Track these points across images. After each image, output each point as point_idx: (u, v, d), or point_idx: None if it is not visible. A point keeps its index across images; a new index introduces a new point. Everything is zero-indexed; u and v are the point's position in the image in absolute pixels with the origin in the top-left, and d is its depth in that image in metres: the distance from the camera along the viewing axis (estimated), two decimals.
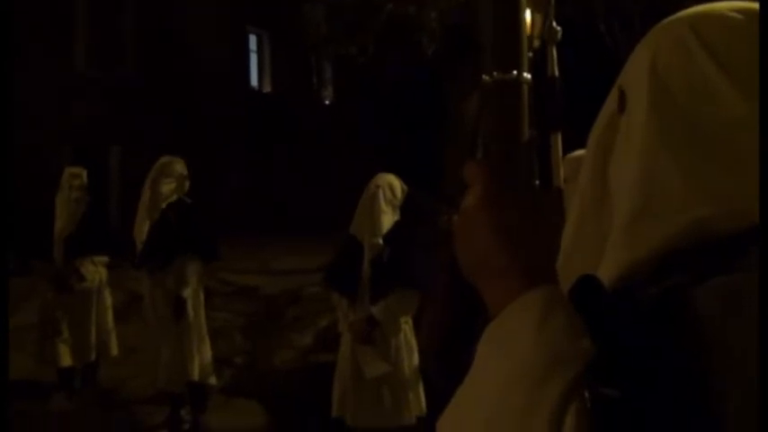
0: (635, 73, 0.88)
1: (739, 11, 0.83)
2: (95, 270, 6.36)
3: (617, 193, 0.86)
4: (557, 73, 4.35)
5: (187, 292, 5.44)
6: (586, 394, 0.63)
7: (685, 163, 0.79)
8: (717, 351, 0.63)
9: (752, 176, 0.76)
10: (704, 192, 0.77)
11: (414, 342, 4.44)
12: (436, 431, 0.76)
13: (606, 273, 0.82)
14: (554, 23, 4.50)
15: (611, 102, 0.92)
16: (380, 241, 4.36)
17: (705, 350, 0.63)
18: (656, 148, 0.81)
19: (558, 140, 4.44)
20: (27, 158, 11.76)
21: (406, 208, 4.52)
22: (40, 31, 14.29)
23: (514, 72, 1.15)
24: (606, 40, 11.31)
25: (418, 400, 4.37)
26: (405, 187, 4.55)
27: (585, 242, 0.90)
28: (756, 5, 0.84)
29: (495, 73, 1.13)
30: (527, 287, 0.71)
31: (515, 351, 0.68)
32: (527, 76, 1.16)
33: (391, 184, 4.49)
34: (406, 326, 4.43)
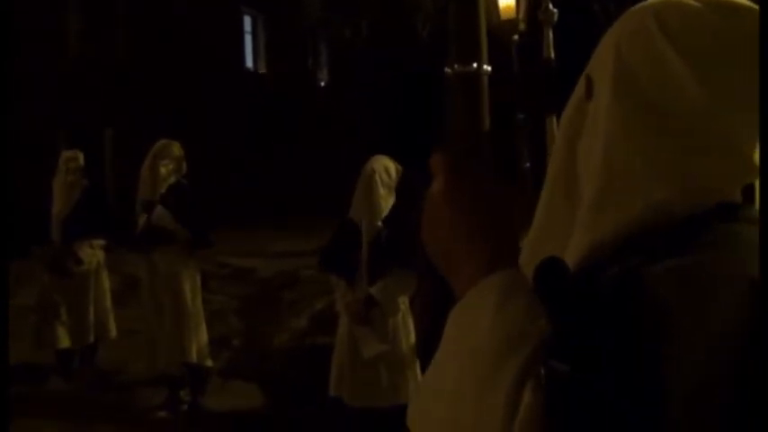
0: (601, 60, 0.91)
1: (700, 0, 0.85)
2: (93, 253, 6.38)
3: (584, 177, 0.89)
4: (552, 55, 4.35)
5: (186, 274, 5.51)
6: (543, 372, 0.66)
7: (646, 147, 0.82)
8: (666, 333, 0.65)
9: (710, 160, 0.80)
10: (663, 175, 0.80)
11: (411, 322, 4.48)
12: (408, 408, 0.79)
13: (573, 254, 0.85)
14: (550, 5, 4.49)
15: (579, 88, 0.94)
16: (379, 224, 4.39)
17: (655, 331, 0.65)
18: (619, 133, 0.84)
19: (554, 123, 4.44)
20: (23, 142, 11.73)
21: (402, 189, 4.53)
22: (34, 14, 14.20)
23: (474, 64, 1.17)
24: (601, 20, 11.27)
25: (415, 378, 4.40)
26: (400, 168, 4.57)
27: (555, 224, 0.92)
28: None
29: (456, 66, 1.16)
30: (488, 272, 0.74)
31: (475, 333, 0.71)
32: (487, 68, 1.18)
33: (387, 167, 4.51)
34: (404, 306, 4.46)
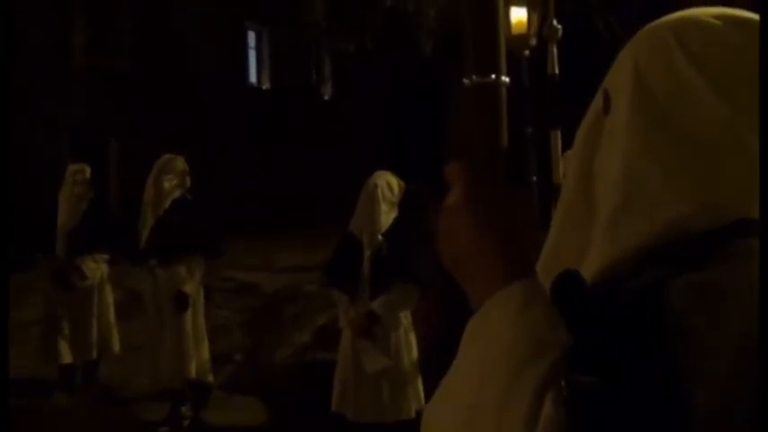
0: (619, 75, 0.91)
1: (718, 17, 0.86)
2: (96, 267, 6.38)
3: (601, 191, 0.89)
4: (557, 71, 4.38)
5: (189, 288, 5.48)
6: (563, 383, 0.65)
7: (665, 162, 0.82)
8: (684, 346, 0.65)
9: (730, 175, 0.80)
10: (683, 190, 0.80)
11: (413, 336, 4.47)
12: (422, 417, 0.79)
13: (590, 268, 0.85)
14: (554, 22, 4.52)
15: (596, 103, 0.95)
16: (380, 238, 4.40)
17: (674, 344, 0.65)
18: (638, 148, 0.84)
19: (558, 137, 4.47)
20: (26, 152, 11.77)
21: (405, 204, 4.55)
22: (39, 23, 14.27)
23: (493, 75, 1.17)
24: (604, 37, 11.31)
25: (417, 393, 4.40)
26: (402, 184, 4.59)
27: (572, 238, 0.92)
28: (736, 12, 0.87)
29: (473, 76, 1.16)
30: (506, 282, 0.74)
31: (495, 342, 0.71)
32: (505, 79, 1.18)
33: (389, 183, 4.53)
34: (406, 320, 4.47)
